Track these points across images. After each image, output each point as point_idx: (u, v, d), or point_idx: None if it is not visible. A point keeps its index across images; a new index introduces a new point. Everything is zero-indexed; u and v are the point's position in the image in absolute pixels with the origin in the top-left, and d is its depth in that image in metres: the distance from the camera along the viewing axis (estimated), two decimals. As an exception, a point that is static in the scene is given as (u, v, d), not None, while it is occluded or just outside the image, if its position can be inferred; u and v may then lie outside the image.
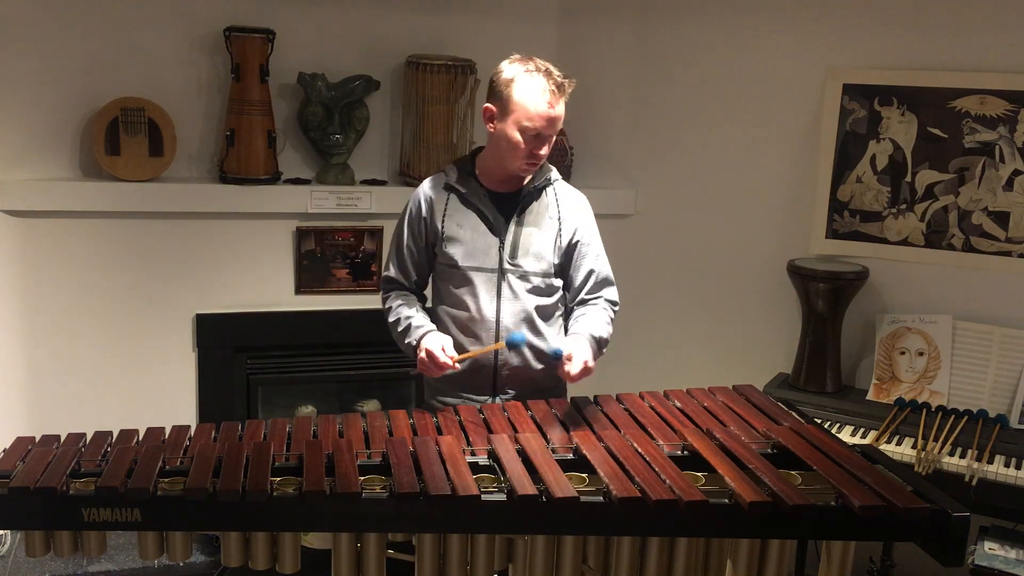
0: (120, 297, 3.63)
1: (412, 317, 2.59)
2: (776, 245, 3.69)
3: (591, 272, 2.64)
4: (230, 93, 3.60)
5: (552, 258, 2.59)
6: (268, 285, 3.79)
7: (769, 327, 3.77)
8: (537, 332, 2.60)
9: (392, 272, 2.68)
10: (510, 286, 2.56)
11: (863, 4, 3.46)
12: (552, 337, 2.63)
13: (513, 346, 2.52)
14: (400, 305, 2.63)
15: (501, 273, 2.56)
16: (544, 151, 2.49)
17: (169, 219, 3.62)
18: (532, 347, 2.60)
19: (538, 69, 2.45)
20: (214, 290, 3.73)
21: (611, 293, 2.68)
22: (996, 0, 3.23)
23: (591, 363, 2.43)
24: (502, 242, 2.56)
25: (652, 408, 2.54)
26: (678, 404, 2.57)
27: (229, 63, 3.57)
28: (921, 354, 3.38)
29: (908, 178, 3.45)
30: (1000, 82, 3.24)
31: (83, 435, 2.30)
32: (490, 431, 2.36)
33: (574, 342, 2.46)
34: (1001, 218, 3.32)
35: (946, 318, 3.36)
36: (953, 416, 3.22)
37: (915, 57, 3.38)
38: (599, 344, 2.54)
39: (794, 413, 2.57)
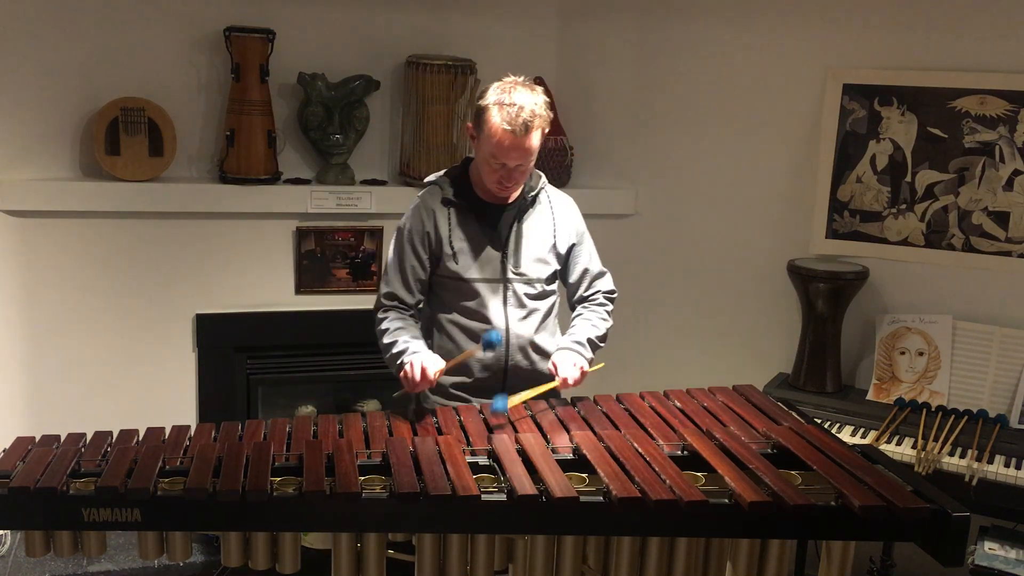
0: (120, 297, 3.62)
1: (410, 343, 2.53)
2: (776, 245, 3.69)
3: (585, 271, 2.73)
4: (230, 93, 3.60)
5: (551, 264, 2.67)
6: (268, 285, 3.79)
7: (769, 327, 3.77)
8: (541, 333, 2.67)
9: (394, 288, 2.61)
10: (515, 293, 2.62)
11: (863, 4, 3.45)
12: (551, 336, 2.72)
13: (490, 346, 2.51)
14: (399, 329, 2.56)
15: (506, 282, 2.61)
16: (510, 181, 2.51)
17: (169, 219, 3.62)
18: (536, 347, 2.65)
19: (511, 103, 2.39)
20: (214, 290, 3.72)
21: (606, 283, 2.78)
22: (996, 0, 3.24)
23: (582, 367, 2.56)
24: (504, 252, 2.60)
25: (652, 408, 2.55)
26: (678, 404, 2.58)
27: (229, 63, 3.57)
28: (921, 354, 3.37)
29: (908, 178, 3.45)
30: (1000, 82, 3.24)
31: (83, 435, 2.30)
32: (490, 431, 2.37)
33: (558, 354, 2.60)
34: (1001, 218, 3.32)
35: (946, 318, 3.36)
36: (953, 416, 3.22)
37: (915, 57, 3.38)
38: (592, 344, 2.66)
39: (794, 413, 2.57)
